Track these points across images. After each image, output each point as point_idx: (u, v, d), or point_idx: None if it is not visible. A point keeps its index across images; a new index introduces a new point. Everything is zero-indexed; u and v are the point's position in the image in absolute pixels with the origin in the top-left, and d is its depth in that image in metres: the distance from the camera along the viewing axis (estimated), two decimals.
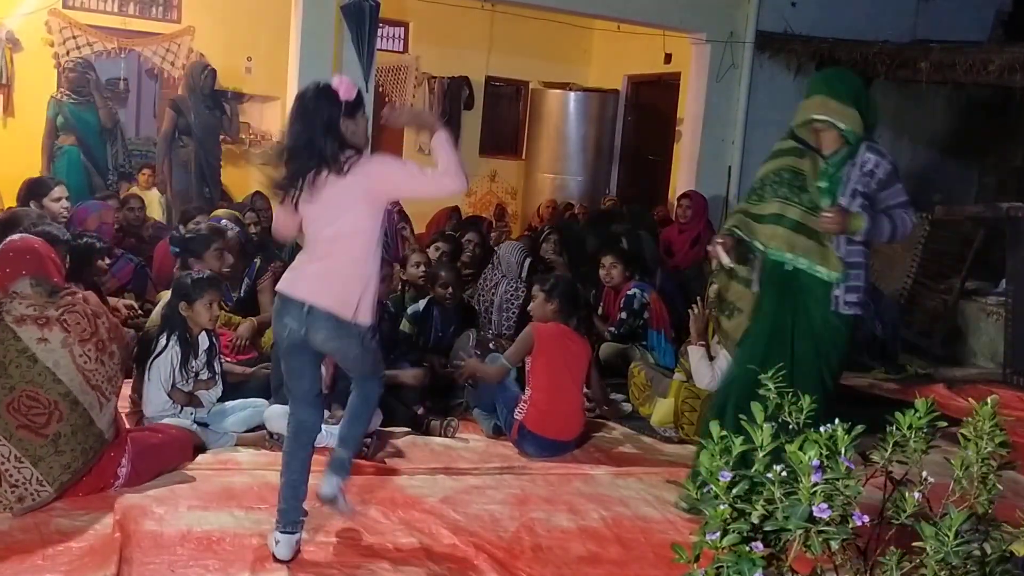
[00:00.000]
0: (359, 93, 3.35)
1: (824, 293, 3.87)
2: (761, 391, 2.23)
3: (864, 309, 4.04)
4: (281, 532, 3.32)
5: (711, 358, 5.11)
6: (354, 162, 3.25)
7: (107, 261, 5.40)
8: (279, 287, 3.39)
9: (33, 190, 5.99)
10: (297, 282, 3.34)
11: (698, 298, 5.30)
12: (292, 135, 3.29)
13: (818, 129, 3.90)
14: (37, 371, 3.50)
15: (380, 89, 10.62)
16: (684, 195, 8.51)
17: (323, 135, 3.22)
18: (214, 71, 8.34)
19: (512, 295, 5.95)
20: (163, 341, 4.35)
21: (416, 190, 3.45)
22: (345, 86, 3.29)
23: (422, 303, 5.65)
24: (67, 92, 8.02)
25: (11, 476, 3.46)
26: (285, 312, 3.32)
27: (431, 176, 3.36)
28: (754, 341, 4.02)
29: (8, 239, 3.86)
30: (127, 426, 4.03)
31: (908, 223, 3.89)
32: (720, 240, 4.00)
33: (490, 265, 6.18)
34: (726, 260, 3.95)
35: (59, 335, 3.55)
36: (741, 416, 2.05)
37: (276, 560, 3.29)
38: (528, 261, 6.29)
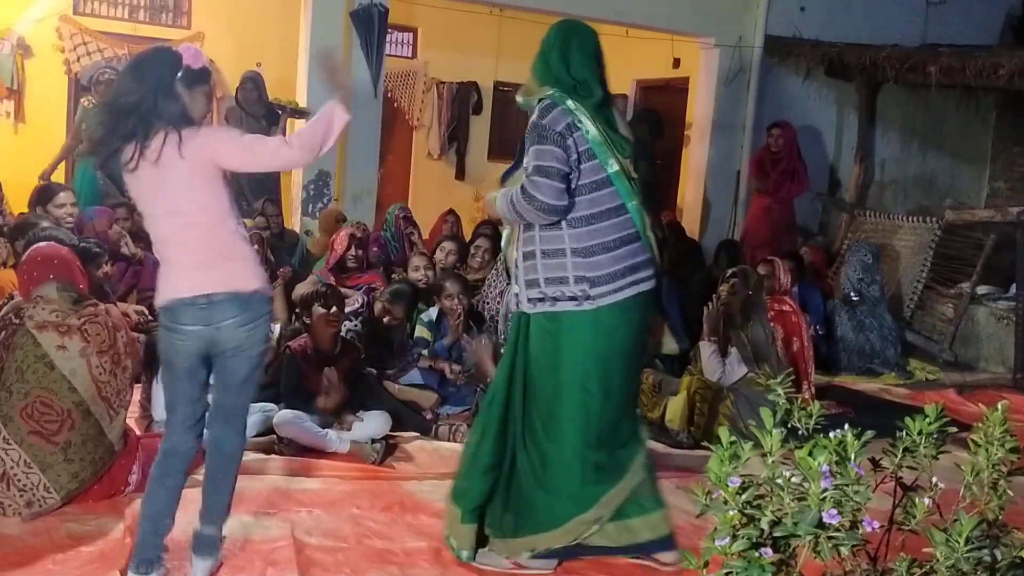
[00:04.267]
0: (205, 68, 3.01)
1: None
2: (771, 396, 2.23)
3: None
4: (133, 572, 2.98)
5: (723, 354, 5.15)
6: (189, 136, 2.87)
7: (105, 269, 5.39)
8: (159, 302, 3.01)
9: (39, 196, 6.03)
10: (178, 282, 2.96)
11: (713, 296, 5.34)
12: (120, 92, 2.95)
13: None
14: (53, 378, 3.52)
15: (389, 94, 10.64)
16: (775, 124, 8.75)
17: (157, 97, 2.86)
18: (255, 81, 8.05)
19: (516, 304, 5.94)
20: None
21: (249, 163, 3.00)
22: (191, 53, 2.97)
23: (434, 310, 5.65)
24: (95, 101, 7.96)
25: (19, 481, 3.48)
26: (179, 319, 2.94)
27: (270, 148, 2.98)
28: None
29: (36, 246, 3.86)
30: (137, 433, 4.05)
31: (514, 198, 3.27)
32: None
33: (494, 271, 6.17)
34: None
35: (78, 344, 3.56)
36: None
37: None
38: None
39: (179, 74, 2.92)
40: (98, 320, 3.65)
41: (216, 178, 2.96)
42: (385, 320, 5.34)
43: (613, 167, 3.34)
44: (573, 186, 3.28)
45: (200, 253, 2.95)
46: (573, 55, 3.43)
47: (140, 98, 2.86)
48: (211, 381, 3.12)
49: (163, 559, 3.06)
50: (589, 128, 3.28)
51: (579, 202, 3.29)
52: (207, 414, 3.13)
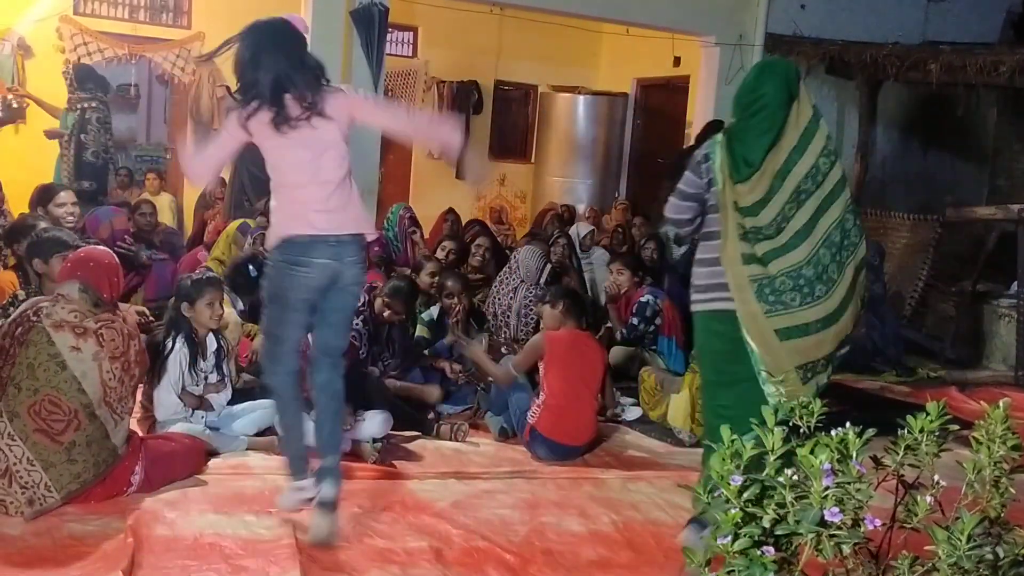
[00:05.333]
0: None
1: None
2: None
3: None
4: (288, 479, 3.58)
5: None
6: (329, 96, 3.36)
7: None
8: (290, 231, 3.36)
9: (40, 196, 6.03)
10: (316, 219, 3.36)
11: None
12: (262, 66, 3.35)
13: None
14: (64, 378, 3.53)
15: (389, 93, 10.64)
16: None
17: (298, 68, 3.33)
18: None
19: (531, 301, 5.94)
20: (170, 343, 4.38)
21: (386, 119, 3.68)
22: (301, 22, 3.48)
23: (435, 309, 5.65)
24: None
25: (21, 478, 3.49)
26: (310, 252, 3.34)
27: (401, 110, 3.68)
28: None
29: (90, 247, 4.06)
30: (140, 434, 4.06)
31: None
32: None
33: (507, 269, 6.16)
34: None
35: (92, 347, 3.58)
36: None
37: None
38: (548, 267, 6.28)
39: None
40: (114, 326, 3.68)
41: (347, 135, 3.41)
42: (386, 315, 5.34)
43: None
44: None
45: (336, 198, 3.38)
46: None
47: (285, 72, 3.30)
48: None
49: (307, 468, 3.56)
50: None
51: None
52: (313, 361, 3.56)
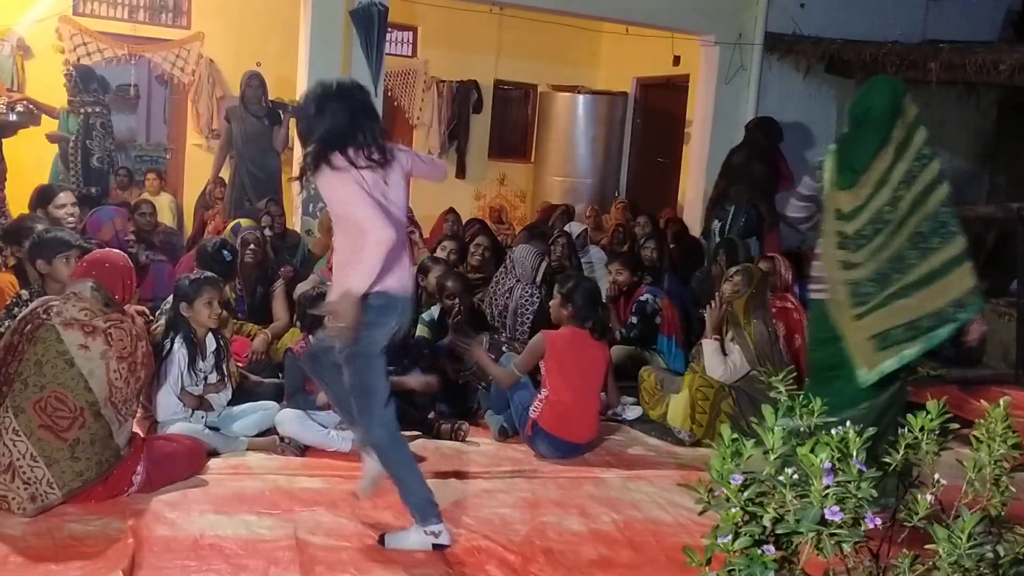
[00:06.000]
0: None
1: None
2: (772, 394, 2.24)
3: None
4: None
5: (724, 353, 5.15)
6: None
7: None
8: (393, 287, 3.34)
9: (39, 197, 6.03)
10: (404, 279, 3.43)
11: (716, 294, 5.34)
12: (361, 127, 3.33)
13: None
14: (71, 375, 3.54)
15: (389, 93, 10.64)
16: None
17: (377, 128, 3.41)
18: (257, 79, 8.01)
19: (527, 300, 5.93)
20: (169, 343, 4.38)
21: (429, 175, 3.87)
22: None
23: (436, 309, 5.65)
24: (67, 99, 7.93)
25: (24, 474, 3.49)
26: (395, 311, 3.40)
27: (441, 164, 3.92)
28: None
29: (107, 248, 4.13)
30: (141, 435, 4.06)
31: None
32: None
33: (503, 268, 6.15)
34: None
35: (101, 346, 3.60)
36: None
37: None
38: (544, 265, 6.27)
39: None
40: (123, 327, 3.70)
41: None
42: None
43: None
44: None
45: (399, 252, 3.38)
46: None
47: (373, 132, 3.39)
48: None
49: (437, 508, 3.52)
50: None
51: None
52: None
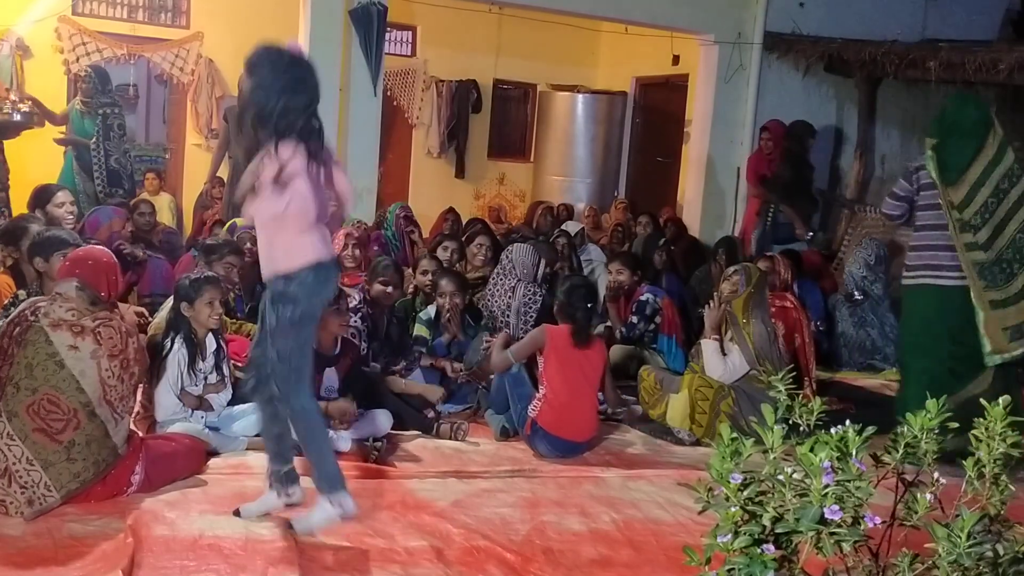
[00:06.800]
0: None
1: None
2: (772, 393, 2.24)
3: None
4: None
5: (724, 353, 5.14)
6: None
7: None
8: (317, 255, 3.38)
9: (38, 196, 6.03)
10: (324, 245, 3.44)
11: (715, 294, 5.34)
12: (291, 99, 3.27)
13: None
14: (62, 377, 3.53)
15: (388, 93, 10.64)
16: (764, 127, 8.81)
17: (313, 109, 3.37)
18: None
19: (530, 299, 5.92)
20: (168, 343, 4.38)
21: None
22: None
23: (433, 308, 5.65)
24: (80, 100, 7.92)
25: (21, 477, 3.49)
26: (326, 277, 3.45)
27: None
28: None
29: (89, 246, 4.07)
30: (140, 434, 4.06)
31: None
32: None
33: (499, 268, 6.15)
34: None
35: (90, 346, 3.58)
36: None
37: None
38: (544, 263, 6.26)
39: None
40: (112, 324, 3.68)
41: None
42: (389, 291, 5.39)
43: None
44: None
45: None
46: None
47: (313, 110, 3.37)
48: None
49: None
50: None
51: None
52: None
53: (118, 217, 6.42)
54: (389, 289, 5.40)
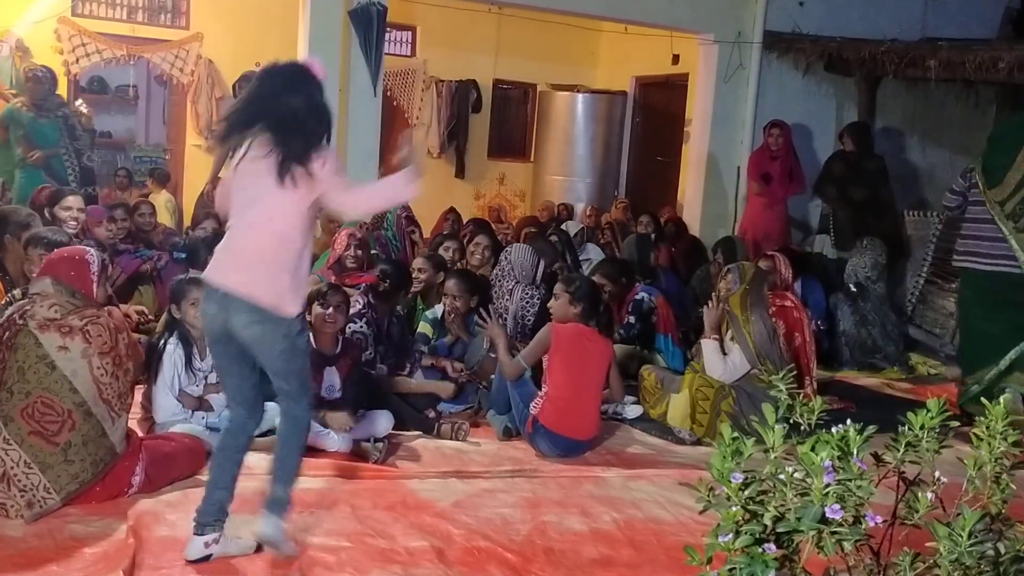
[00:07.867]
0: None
1: None
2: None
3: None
4: (194, 533, 3.22)
5: (724, 353, 5.14)
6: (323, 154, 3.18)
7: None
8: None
9: (49, 198, 6.00)
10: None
11: (713, 294, 5.34)
12: (284, 107, 3.15)
13: None
14: (54, 378, 3.53)
15: (388, 93, 10.64)
16: (774, 124, 8.76)
17: (315, 118, 3.21)
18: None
19: (528, 301, 5.92)
20: (163, 344, 4.40)
21: (338, 204, 3.27)
22: (319, 67, 3.29)
23: (439, 307, 5.65)
24: (31, 102, 7.46)
25: (19, 481, 3.48)
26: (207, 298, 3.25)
27: (352, 194, 3.27)
28: None
29: (65, 247, 4.08)
30: (140, 435, 4.05)
31: None
32: None
33: (498, 270, 6.14)
34: None
35: (80, 345, 3.57)
36: None
37: (187, 561, 3.20)
38: (543, 264, 6.25)
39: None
40: (100, 322, 3.66)
41: (313, 200, 3.23)
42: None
43: None
44: None
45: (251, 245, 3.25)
46: None
47: (303, 118, 3.20)
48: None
49: (220, 524, 3.25)
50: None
51: None
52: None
53: (91, 217, 6.20)
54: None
